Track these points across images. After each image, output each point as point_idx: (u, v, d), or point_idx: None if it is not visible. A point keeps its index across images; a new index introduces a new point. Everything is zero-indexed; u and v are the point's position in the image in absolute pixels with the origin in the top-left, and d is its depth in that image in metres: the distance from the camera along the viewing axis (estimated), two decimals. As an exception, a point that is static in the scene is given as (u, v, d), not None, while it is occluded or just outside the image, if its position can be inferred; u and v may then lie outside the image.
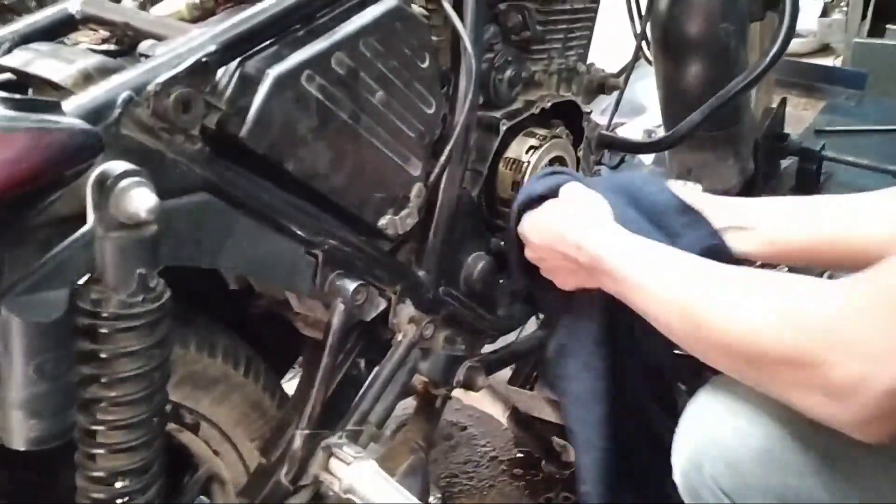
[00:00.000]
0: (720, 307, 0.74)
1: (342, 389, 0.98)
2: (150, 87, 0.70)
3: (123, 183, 0.62)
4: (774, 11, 1.51)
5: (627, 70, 1.42)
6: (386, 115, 0.89)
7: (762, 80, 1.46)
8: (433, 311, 1.03)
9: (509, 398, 1.47)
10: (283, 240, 0.84)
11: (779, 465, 0.75)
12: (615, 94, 1.35)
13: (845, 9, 3.31)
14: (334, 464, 0.93)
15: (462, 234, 1.04)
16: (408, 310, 1.00)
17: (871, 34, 2.96)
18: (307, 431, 0.92)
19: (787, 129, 1.97)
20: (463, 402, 1.57)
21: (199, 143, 0.75)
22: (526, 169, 1.07)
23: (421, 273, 1.01)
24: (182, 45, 0.75)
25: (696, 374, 0.91)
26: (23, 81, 0.78)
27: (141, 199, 0.62)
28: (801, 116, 2.47)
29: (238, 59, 0.77)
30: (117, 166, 0.63)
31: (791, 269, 1.09)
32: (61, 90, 0.73)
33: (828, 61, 3.19)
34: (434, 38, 0.95)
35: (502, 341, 1.24)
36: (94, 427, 0.68)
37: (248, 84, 0.77)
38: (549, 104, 1.13)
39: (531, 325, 1.31)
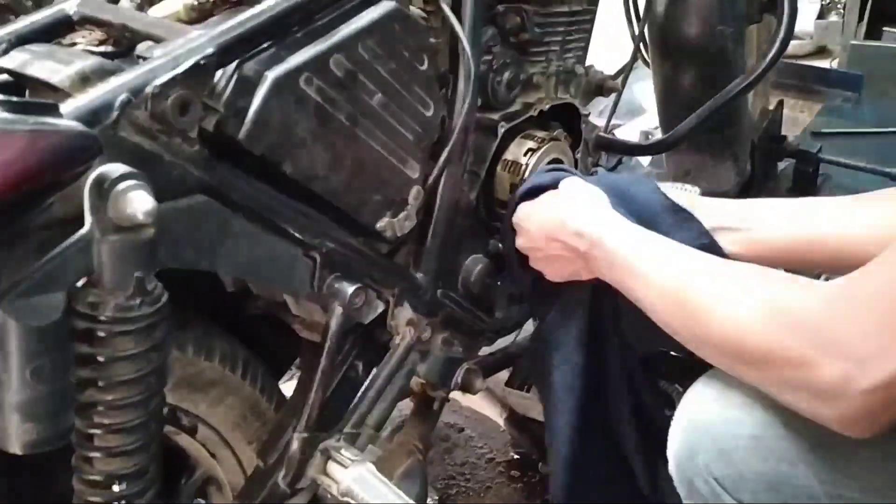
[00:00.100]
0: (711, 301, 0.76)
1: (340, 392, 0.98)
2: (148, 90, 0.70)
3: (121, 185, 0.62)
4: (772, 14, 1.52)
5: (625, 72, 1.42)
6: (384, 117, 0.89)
7: (759, 82, 1.46)
8: (431, 313, 1.03)
9: (506, 400, 1.47)
10: (280, 242, 0.84)
11: (771, 453, 0.75)
12: (613, 95, 1.35)
13: (842, 11, 3.31)
14: (332, 466, 0.93)
15: (460, 237, 1.04)
16: (406, 312, 1.00)
17: (867, 36, 2.96)
18: (305, 434, 0.92)
19: (783, 132, 1.97)
20: (460, 404, 1.57)
21: (196, 146, 0.74)
22: (524, 171, 1.07)
23: (419, 275, 1.00)
24: (180, 47, 0.74)
25: (690, 374, 0.92)
26: (19, 83, 0.78)
27: (138, 202, 0.62)
28: (797, 118, 2.47)
29: (236, 62, 0.77)
30: (115, 169, 0.62)
31: (788, 272, 1.09)
32: (58, 92, 0.73)
33: (824, 63, 3.20)
34: (432, 40, 0.95)
35: (500, 343, 1.24)
36: (92, 430, 0.67)
37: (246, 86, 0.77)
38: (548, 106, 1.13)
39: (528, 328, 1.31)
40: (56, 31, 0.85)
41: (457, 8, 0.96)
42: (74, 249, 0.63)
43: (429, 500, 1.34)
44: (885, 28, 2.96)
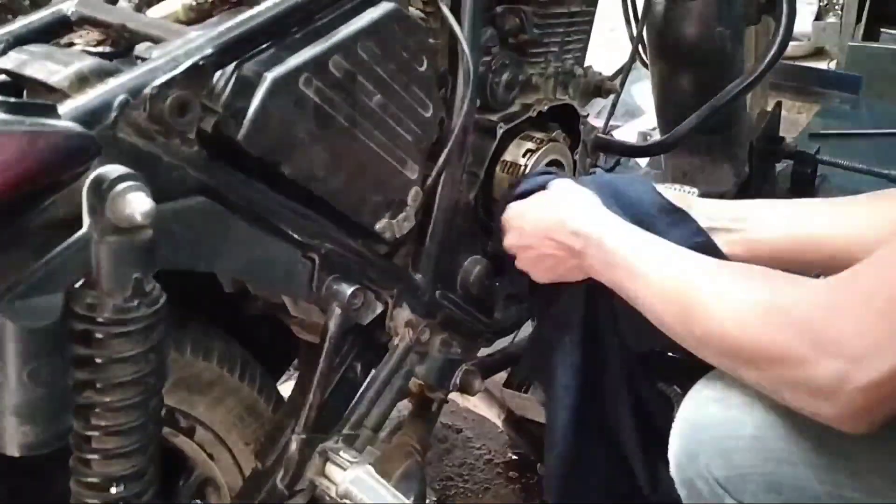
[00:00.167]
0: (709, 302, 0.76)
1: (338, 393, 0.98)
2: (147, 91, 0.70)
3: (119, 187, 0.62)
4: (770, 15, 1.52)
5: (624, 73, 1.42)
6: (383, 118, 0.89)
7: (758, 84, 1.46)
8: (430, 314, 1.03)
9: (504, 401, 1.47)
10: (279, 243, 0.84)
11: (772, 454, 0.76)
12: (611, 96, 1.34)
13: (840, 12, 3.31)
14: (330, 468, 0.92)
15: (459, 238, 1.04)
16: (404, 313, 1.00)
17: (865, 38, 2.96)
18: (303, 435, 0.92)
19: (782, 133, 1.97)
20: (458, 405, 1.57)
21: (195, 147, 0.74)
22: (523, 172, 1.07)
23: (418, 277, 1.00)
24: (179, 48, 0.74)
25: (688, 374, 0.92)
26: (17, 84, 0.77)
27: (137, 203, 0.62)
28: (795, 120, 2.47)
29: (235, 62, 0.77)
30: (113, 170, 0.62)
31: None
32: (56, 93, 0.73)
33: (822, 65, 3.20)
34: (431, 41, 0.95)
35: (498, 344, 1.24)
36: (89, 432, 0.67)
37: (245, 87, 0.77)
38: (546, 107, 1.13)
39: (527, 329, 1.31)
40: (54, 32, 0.85)
41: (456, 9, 0.95)
42: (72, 250, 0.63)
43: (427, 502, 1.34)
44: (882, 29, 2.96)
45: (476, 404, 1.51)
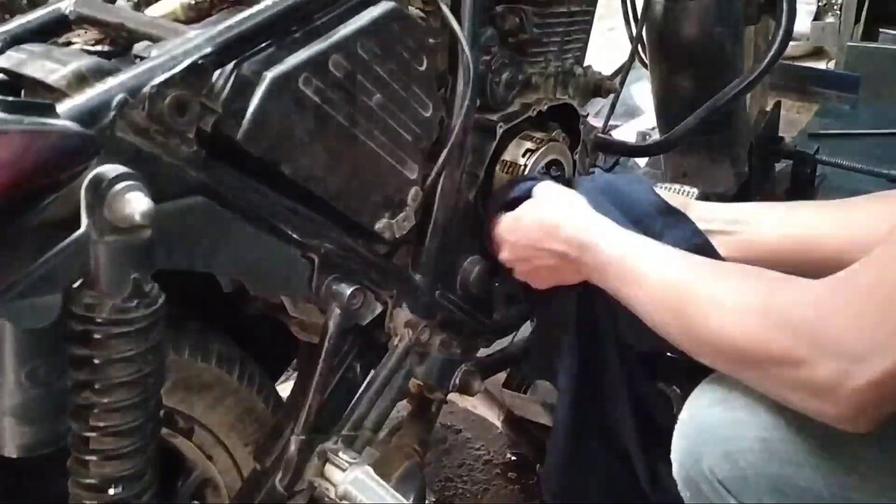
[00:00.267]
0: (707, 305, 0.76)
1: (337, 394, 0.98)
2: (146, 90, 0.69)
3: (118, 186, 0.62)
4: (769, 15, 1.51)
5: (623, 72, 1.42)
6: (383, 117, 0.89)
7: (757, 84, 1.46)
8: (429, 314, 1.03)
9: (504, 401, 1.46)
10: (278, 243, 0.84)
11: (776, 455, 0.76)
12: (611, 96, 1.34)
13: (838, 12, 3.31)
14: (330, 469, 0.92)
15: (458, 238, 1.04)
16: (404, 314, 1.00)
17: (864, 38, 2.97)
18: (302, 436, 0.92)
19: (781, 133, 1.97)
20: (457, 406, 1.57)
21: (194, 146, 0.74)
22: (522, 172, 1.07)
23: (417, 277, 1.00)
24: (178, 47, 0.74)
25: (687, 375, 0.92)
26: (16, 83, 0.77)
27: (135, 203, 0.61)
28: (794, 120, 2.47)
29: (234, 62, 0.77)
30: (112, 169, 0.62)
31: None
32: (55, 92, 0.72)
33: (821, 65, 3.20)
34: (431, 40, 0.94)
35: (497, 345, 1.24)
36: (87, 433, 0.67)
37: (244, 86, 0.77)
38: (546, 107, 1.13)
39: (526, 329, 1.31)
40: (52, 31, 0.85)
41: (456, 8, 0.95)
42: (71, 251, 0.63)
43: (426, 502, 1.34)
44: (881, 29, 2.96)
45: (475, 405, 1.51)
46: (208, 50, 0.74)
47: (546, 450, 1.11)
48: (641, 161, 1.97)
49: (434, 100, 0.94)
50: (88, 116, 0.67)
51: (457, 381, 1.10)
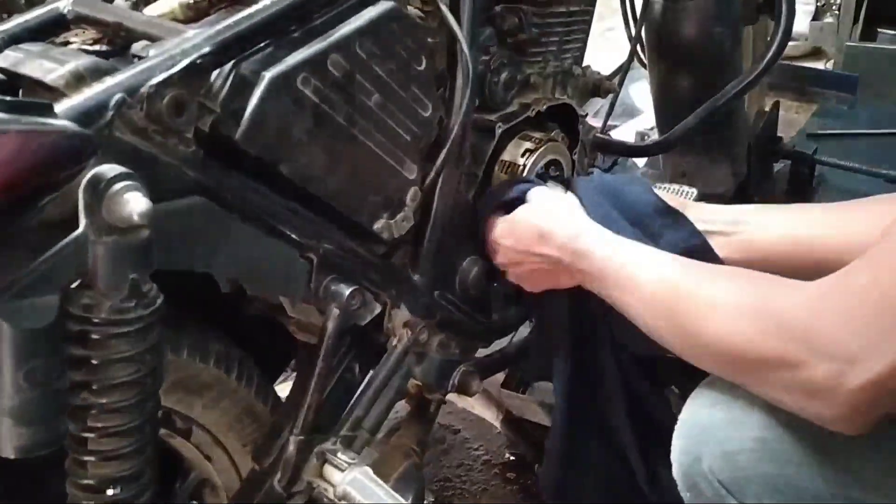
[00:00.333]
0: (701, 309, 0.76)
1: (336, 394, 0.98)
2: (144, 90, 0.69)
3: (116, 186, 0.61)
4: (768, 15, 1.51)
5: (622, 73, 1.42)
6: (382, 117, 0.89)
7: (756, 84, 1.46)
8: (428, 315, 1.03)
9: (502, 402, 1.46)
10: (277, 243, 0.84)
11: (776, 455, 0.76)
12: (610, 96, 1.34)
13: (837, 12, 3.31)
14: (328, 469, 0.92)
15: (457, 238, 1.04)
16: (403, 314, 1.00)
17: (862, 38, 2.97)
18: (301, 437, 0.91)
19: (779, 133, 1.97)
20: (456, 406, 1.57)
21: (192, 146, 0.74)
22: (521, 172, 1.07)
23: (416, 277, 1.00)
24: (176, 47, 0.74)
25: (684, 376, 0.92)
26: (13, 83, 0.77)
27: (133, 203, 0.61)
28: (793, 120, 2.47)
29: (233, 61, 0.76)
30: (110, 169, 0.62)
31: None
32: (53, 92, 0.72)
33: (819, 65, 3.20)
34: (430, 40, 0.94)
35: (496, 345, 1.24)
36: (85, 434, 0.67)
37: (243, 86, 0.77)
38: (545, 107, 1.12)
39: (525, 329, 1.30)
40: (50, 30, 0.84)
41: (455, 8, 0.95)
42: (69, 251, 0.63)
43: (425, 503, 1.34)
44: (880, 30, 2.96)
45: (474, 405, 1.51)
46: (206, 50, 0.73)
47: (545, 450, 1.11)
48: (640, 161, 1.97)
49: (433, 100, 0.94)
50: (86, 116, 0.66)
51: (455, 382, 1.09)
